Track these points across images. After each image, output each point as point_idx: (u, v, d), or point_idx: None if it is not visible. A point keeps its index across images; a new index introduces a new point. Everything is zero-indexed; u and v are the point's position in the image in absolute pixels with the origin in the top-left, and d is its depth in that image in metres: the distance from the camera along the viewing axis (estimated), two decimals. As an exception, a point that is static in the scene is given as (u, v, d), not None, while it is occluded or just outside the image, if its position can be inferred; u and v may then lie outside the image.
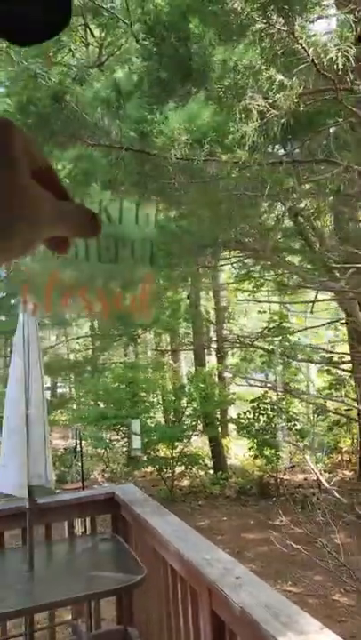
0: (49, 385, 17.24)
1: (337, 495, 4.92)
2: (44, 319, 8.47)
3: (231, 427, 11.65)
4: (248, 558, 6.50)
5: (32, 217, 0.32)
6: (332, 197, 3.75)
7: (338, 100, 3.04)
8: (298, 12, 2.79)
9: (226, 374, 11.72)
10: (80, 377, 12.43)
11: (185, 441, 10.00)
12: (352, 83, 2.97)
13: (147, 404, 10.90)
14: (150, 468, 10.43)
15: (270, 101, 2.87)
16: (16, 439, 2.74)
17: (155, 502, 3.21)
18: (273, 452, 9.52)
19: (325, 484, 5.20)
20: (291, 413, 9.82)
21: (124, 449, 10.78)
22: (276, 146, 3.72)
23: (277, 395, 9.64)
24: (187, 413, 10.53)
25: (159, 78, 3.60)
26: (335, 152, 3.54)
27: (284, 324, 9.99)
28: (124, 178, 3.71)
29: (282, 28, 2.74)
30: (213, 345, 12.32)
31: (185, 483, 10.28)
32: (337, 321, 10.05)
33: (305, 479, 9.97)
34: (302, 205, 4.56)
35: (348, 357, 8.55)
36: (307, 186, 3.92)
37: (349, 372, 8.45)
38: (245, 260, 7.27)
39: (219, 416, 11.47)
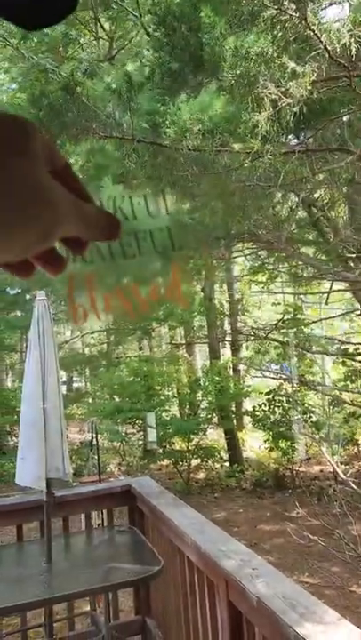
0: (65, 379, 17.39)
1: (354, 487, 4.89)
2: (57, 314, 8.50)
3: (247, 419, 11.65)
4: (264, 550, 6.51)
5: (49, 215, 0.33)
6: (346, 187, 3.70)
7: (351, 87, 2.99)
8: (310, -2, 2.74)
9: (241, 367, 11.70)
10: (95, 371, 12.51)
11: (200, 434, 10.01)
12: (366, 69, 2.92)
13: (162, 397, 10.94)
14: (166, 461, 10.47)
15: (283, 90, 2.83)
16: (33, 433, 2.77)
17: (171, 494, 3.22)
18: (289, 444, 9.50)
19: (342, 475, 5.17)
20: (306, 405, 9.77)
21: (140, 442, 10.83)
22: (290, 136, 3.67)
23: (293, 387, 9.59)
24: (202, 406, 10.54)
25: (170, 69, 3.57)
26: (349, 140, 3.49)
27: (298, 316, 9.94)
28: (137, 170, 3.70)
29: (294, 14, 2.69)
30: (228, 338, 12.30)
31: (201, 475, 10.31)
32: (352, 312, 9.98)
33: (321, 471, 9.95)
34: (316, 195, 4.51)
35: (363, 349, 8.48)
36: (320, 176, 3.88)
37: (365, 363, 8.38)
38: (259, 252, 7.23)
39: (234, 409, 11.47)
